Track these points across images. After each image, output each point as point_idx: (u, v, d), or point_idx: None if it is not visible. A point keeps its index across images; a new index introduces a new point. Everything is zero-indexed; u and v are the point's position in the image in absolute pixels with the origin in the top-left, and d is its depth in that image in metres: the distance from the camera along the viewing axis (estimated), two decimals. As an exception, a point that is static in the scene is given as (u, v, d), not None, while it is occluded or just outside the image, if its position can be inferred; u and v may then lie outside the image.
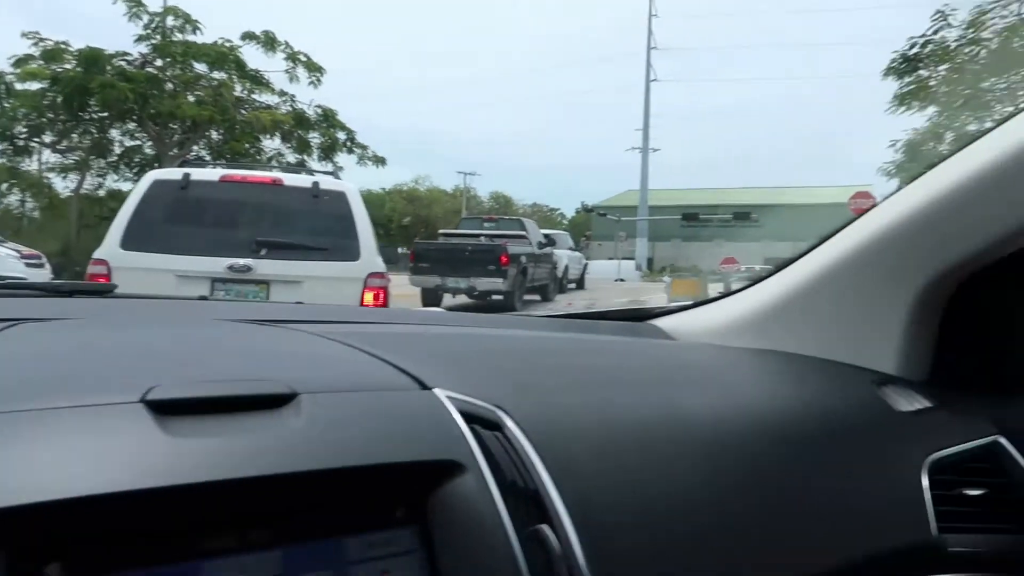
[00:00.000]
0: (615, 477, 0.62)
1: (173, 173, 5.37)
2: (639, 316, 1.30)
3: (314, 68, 16.83)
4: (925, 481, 0.81)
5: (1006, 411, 0.93)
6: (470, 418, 0.60)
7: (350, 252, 5.20)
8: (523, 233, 16.74)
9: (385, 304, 5.34)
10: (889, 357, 0.97)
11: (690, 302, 1.29)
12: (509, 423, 0.61)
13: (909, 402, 0.90)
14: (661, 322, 1.25)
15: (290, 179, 5.47)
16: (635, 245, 39.69)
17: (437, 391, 0.62)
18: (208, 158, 16.19)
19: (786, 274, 1.10)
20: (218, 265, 4.92)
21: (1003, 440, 0.88)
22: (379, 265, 5.31)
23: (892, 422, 0.85)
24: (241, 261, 4.95)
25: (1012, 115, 0.84)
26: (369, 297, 5.25)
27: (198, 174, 5.37)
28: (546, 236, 18.74)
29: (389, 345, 0.73)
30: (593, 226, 50.10)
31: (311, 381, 0.58)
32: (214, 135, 17.10)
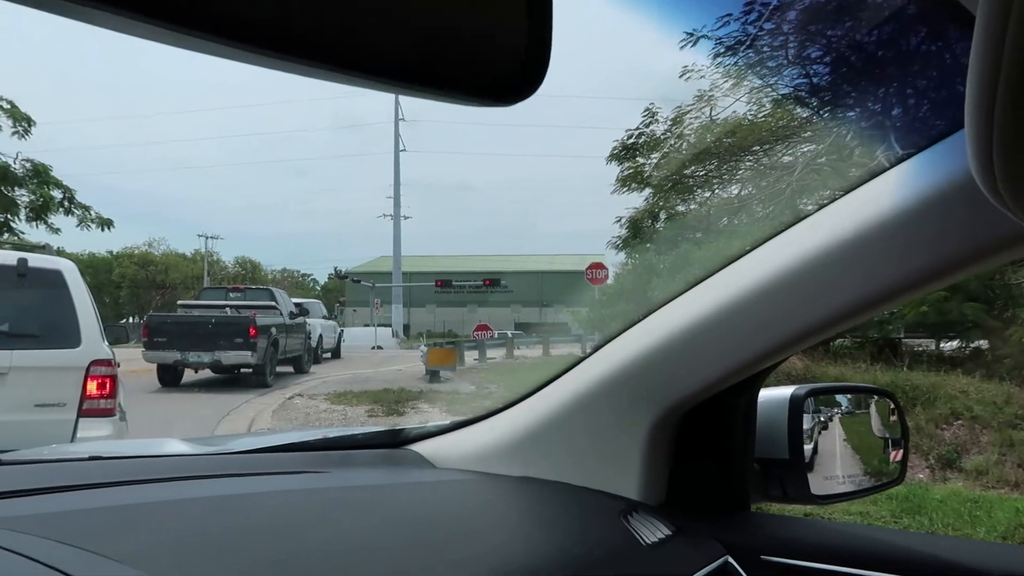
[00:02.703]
0: None
1: None
2: (397, 440, 1.29)
3: (20, 117, 14.84)
4: None
5: (730, 529, 1.05)
6: None
7: (68, 338, 4.58)
8: (273, 303, 16.01)
9: (112, 394, 4.77)
10: (630, 484, 1.06)
11: (447, 423, 1.32)
12: None
13: (652, 532, 0.97)
14: (421, 447, 1.25)
15: (-14, 256, 4.72)
16: (391, 311, 39.76)
17: None
18: None
19: (538, 400, 1.17)
20: None
21: (731, 560, 0.99)
22: (104, 351, 4.74)
23: (639, 557, 0.92)
24: (-80, 353, 4.14)
25: (711, 273, 0.99)
26: (93, 387, 4.65)
27: None
28: (298, 305, 18.10)
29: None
30: (347, 292, 49.41)
31: None
32: None
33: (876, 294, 0.85)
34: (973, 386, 8.51)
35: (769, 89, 13.38)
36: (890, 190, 0.82)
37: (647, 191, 16.14)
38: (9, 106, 14.67)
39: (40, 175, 15.55)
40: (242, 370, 13.92)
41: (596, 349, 1.14)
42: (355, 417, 9.92)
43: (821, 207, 0.92)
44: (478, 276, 39.38)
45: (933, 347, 14.82)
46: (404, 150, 47.65)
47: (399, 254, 44.86)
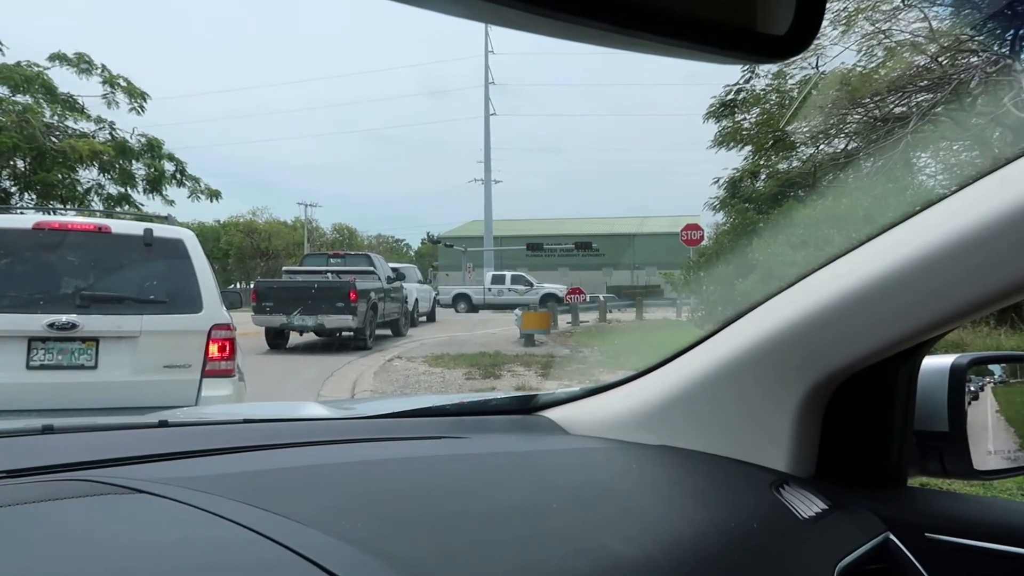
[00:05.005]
0: None
1: None
2: (529, 406, 1.29)
3: (136, 94, 15.67)
4: None
5: (890, 505, 0.99)
6: None
7: (191, 304, 4.86)
8: (371, 268, 16.48)
9: (231, 355, 5.06)
10: (779, 455, 1.02)
11: (578, 389, 1.31)
12: None
13: (808, 506, 0.93)
14: (553, 413, 1.25)
15: (119, 226, 5.04)
16: (483, 275, 40.19)
17: None
18: (15, 191, 14.60)
19: (676, 368, 1.14)
20: (36, 323, 4.44)
21: (892, 536, 0.94)
22: (224, 316, 5.00)
23: (798, 530, 0.88)
24: (64, 318, 4.49)
25: (878, 233, 0.93)
26: (214, 350, 4.94)
27: (5, 221, 4.89)
28: (394, 270, 18.58)
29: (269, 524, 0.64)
30: (440, 256, 50.27)
31: None
32: (19, 165, 15.39)
33: None
34: (1112, 352, 7.82)
35: (882, 35, 12.53)
36: None
37: (746, 149, 15.53)
38: (126, 83, 15.50)
39: (153, 149, 16.42)
40: (343, 333, 14.43)
41: (738, 317, 1.09)
42: (453, 380, 10.14)
43: (996, 168, 0.84)
44: (569, 239, 39.15)
45: (1062, 309, 13.73)
46: (494, 114, 47.66)
47: (490, 218, 45.12)
